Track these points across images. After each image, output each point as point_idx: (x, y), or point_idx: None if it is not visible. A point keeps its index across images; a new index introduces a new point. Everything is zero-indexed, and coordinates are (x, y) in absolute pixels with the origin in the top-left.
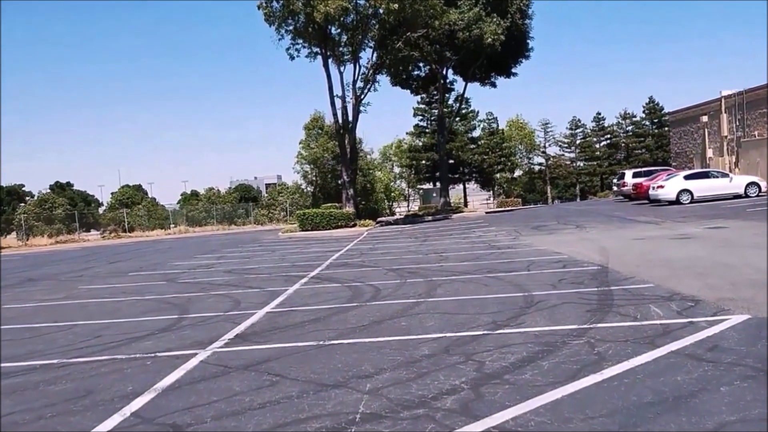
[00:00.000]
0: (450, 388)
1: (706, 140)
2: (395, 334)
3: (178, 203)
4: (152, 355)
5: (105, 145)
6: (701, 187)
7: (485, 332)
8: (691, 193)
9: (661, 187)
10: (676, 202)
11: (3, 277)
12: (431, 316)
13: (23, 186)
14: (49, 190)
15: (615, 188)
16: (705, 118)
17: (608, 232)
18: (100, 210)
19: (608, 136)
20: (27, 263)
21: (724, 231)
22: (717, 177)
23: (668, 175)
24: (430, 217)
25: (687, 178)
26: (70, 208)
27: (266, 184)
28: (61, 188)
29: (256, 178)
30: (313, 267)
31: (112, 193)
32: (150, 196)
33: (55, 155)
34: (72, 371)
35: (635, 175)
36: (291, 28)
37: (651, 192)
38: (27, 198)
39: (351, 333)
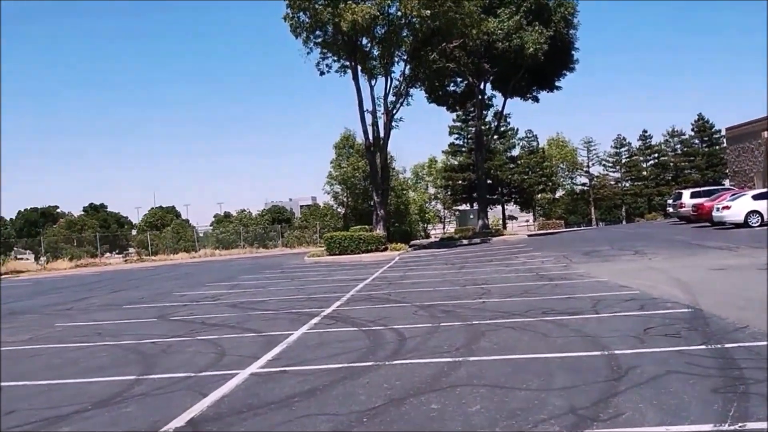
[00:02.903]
0: None
1: None
2: (422, 430)
3: (210, 225)
4: None
5: (143, 166)
6: None
7: None
8: (761, 214)
9: (727, 207)
10: (744, 224)
11: None
12: (475, 392)
13: (57, 207)
14: (82, 212)
15: (671, 209)
16: (766, 134)
17: (676, 260)
18: (133, 232)
19: (655, 155)
20: (29, 291)
21: None
22: None
23: (733, 194)
24: (466, 241)
25: (756, 198)
26: (100, 230)
27: (300, 206)
28: (94, 210)
29: (291, 199)
30: (330, 301)
31: (144, 215)
32: (184, 217)
33: (92, 177)
34: None
35: (693, 195)
36: (319, 40)
37: (715, 213)
38: (60, 220)
39: (355, 425)
